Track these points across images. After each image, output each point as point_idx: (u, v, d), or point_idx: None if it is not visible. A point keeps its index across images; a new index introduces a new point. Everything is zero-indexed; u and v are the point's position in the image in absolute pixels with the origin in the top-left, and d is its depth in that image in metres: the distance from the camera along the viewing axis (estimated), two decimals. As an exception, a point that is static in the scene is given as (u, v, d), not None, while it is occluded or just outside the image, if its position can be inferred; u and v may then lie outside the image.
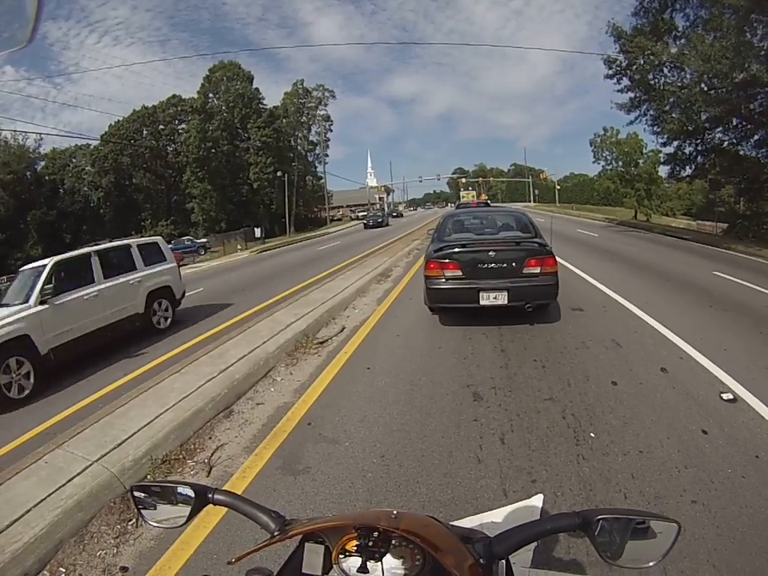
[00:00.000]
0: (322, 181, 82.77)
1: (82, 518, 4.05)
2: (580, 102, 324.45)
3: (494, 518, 3.51)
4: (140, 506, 1.48)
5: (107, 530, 4.00)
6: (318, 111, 79.59)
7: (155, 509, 1.47)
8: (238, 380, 6.82)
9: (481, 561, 1.22)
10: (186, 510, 1.43)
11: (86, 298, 10.08)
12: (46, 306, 9.24)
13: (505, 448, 4.71)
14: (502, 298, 8.36)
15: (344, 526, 1.26)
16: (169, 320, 12.40)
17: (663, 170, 41.30)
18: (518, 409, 5.53)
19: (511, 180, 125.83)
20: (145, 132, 72.32)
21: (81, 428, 5.56)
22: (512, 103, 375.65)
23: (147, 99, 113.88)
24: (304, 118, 78.50)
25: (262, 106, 70.25)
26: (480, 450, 4.69)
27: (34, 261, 11.05)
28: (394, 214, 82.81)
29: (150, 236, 20.31)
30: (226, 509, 1.53)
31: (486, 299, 8.40)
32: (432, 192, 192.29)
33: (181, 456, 5.08)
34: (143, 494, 1.48)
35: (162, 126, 73.03)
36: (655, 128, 28.36)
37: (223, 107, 67.75)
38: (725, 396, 5.57)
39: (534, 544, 3.11)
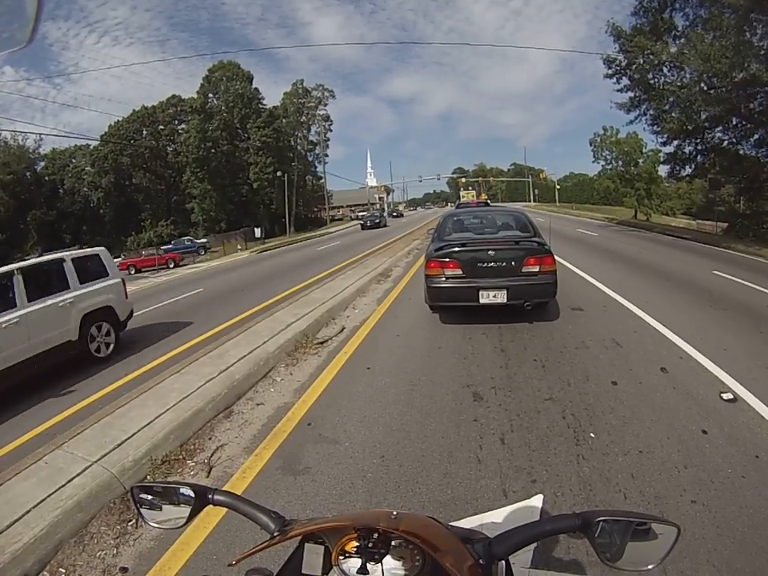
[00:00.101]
0: (322, 181, 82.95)
1: (81, 518, 4.05)
2: (580, 101, 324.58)
3: (494, 519, 3.52)
4: (140, 507, 1.48)
5: (107, 531, 4.00)
6: (318, 111, 79.73)
7: (155, 509, 1.47)
8: (237, 380, 6.82)
9: (480, 561, 1.22)
10: (186, 510, 1.43)
11: (4, 326, 8.38)
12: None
13: (505, 448, 4.71)
14: (501, 297, 8.42)
15: (344, 527, 1.26)
16: (111, 346, 10.53)
17: (663, 170, 41.40)
18: (518, 409, 5.53)
19: (511, 180, 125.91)
20: (144, 132, 72.41)
21: (81, 428, 5.55)
22: (512, 103, 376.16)
23: (147, 99, 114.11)
24: (304, 117, 78.51)
25: (261, 106, 70.27)
26: (480, 450, 4.69)
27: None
28: (395, 214, 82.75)
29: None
30: (225, 509, 1.53)
31: (486, 298, 8.47)
32: (432, 192, 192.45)
33: (181, 456, 5.08)
34: (143, 495, 1.48)
35: (161, 126, 73.12)
36: (655, 127, 28.41)
37: (223, 107, 67.75)
38: (725, 396, 5.57)
39: (534, 544, 3.10)
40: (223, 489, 1.51)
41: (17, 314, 8.64)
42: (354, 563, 1.22)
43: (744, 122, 25.16)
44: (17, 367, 8.51)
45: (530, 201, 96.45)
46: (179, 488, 1.45)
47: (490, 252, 8.53)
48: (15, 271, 8.90)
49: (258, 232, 51.75)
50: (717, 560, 3.14)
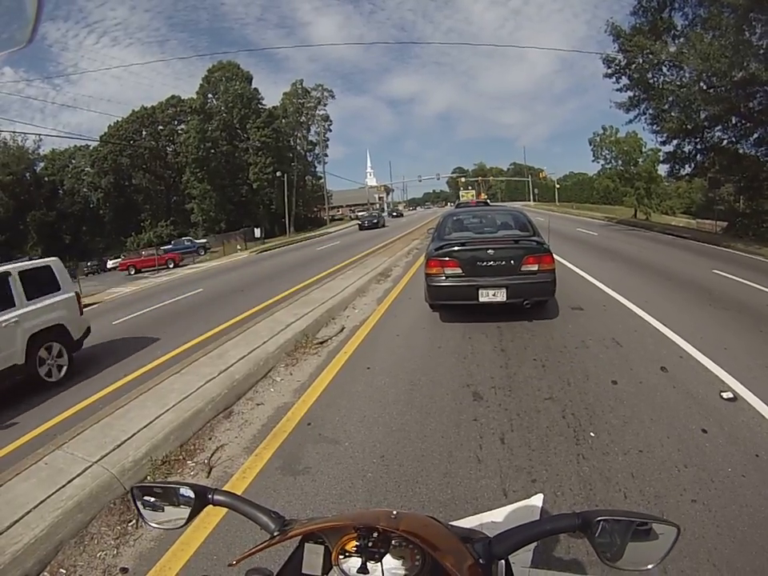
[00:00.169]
0: (322, 181, 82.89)
1: (82, 519, 4.05)
2: (579, 100, 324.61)
3: (494, 518, 3.52)
4: (140, 507, 1.48)
5: (107, 531, 4.00)
6: (317, 111, 79.74)
7: (155, 510, 1.47)
8: (237, 380, 6.82)
9: (480, 561, 1.22)
10: (185, 510, 1.43)
11: None
12: None
13: (505, 448, 4.71)
14: (500, 295, 8.48)
15: (344, 527, 1.26)
16: (64, 369, 9.42)
17: (663, 169, 41.35)
18: (518, 408, 5.53)
19: (511, 179, 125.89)
20: (144, 133, 72.54)
21: (81, 429, 5.55)
22: (511, 102, 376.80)
23: (146, 100, 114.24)
24: (303, 117, 78.50)
25: (261, 106, 70.29)
26: (480, 450, 4.69)
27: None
28: (394, 214, 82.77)
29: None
30: (226, 509, 1.53)
31: (485, 296, 8.53)
32: (431, 191, 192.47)
33: (181, 457, 5.08)
34: (143, 495, 1.48)
35: (161, 127, 73.25)
36: (654, 127, 28.41)
37: (222, 107, 67.76)
38: (725, 395, 5.56)
39: (534, 544, 3.10)
40: (223, 489, 1.51)
41: (-48, 336, 7.81)
42: (354, 563, 1.22)
43: (743, 121, 25.15)
44: None
45: (529, 200, 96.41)
46: (179, 488, 1.45)
47: (489, 251, 8.58)
48: None
49: (257, 232, 51.75)
50: (717, 559, 3.14)
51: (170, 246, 50.19)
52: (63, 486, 4.29)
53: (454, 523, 1.72)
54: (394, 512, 1.27)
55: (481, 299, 8.56)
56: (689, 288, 11.58)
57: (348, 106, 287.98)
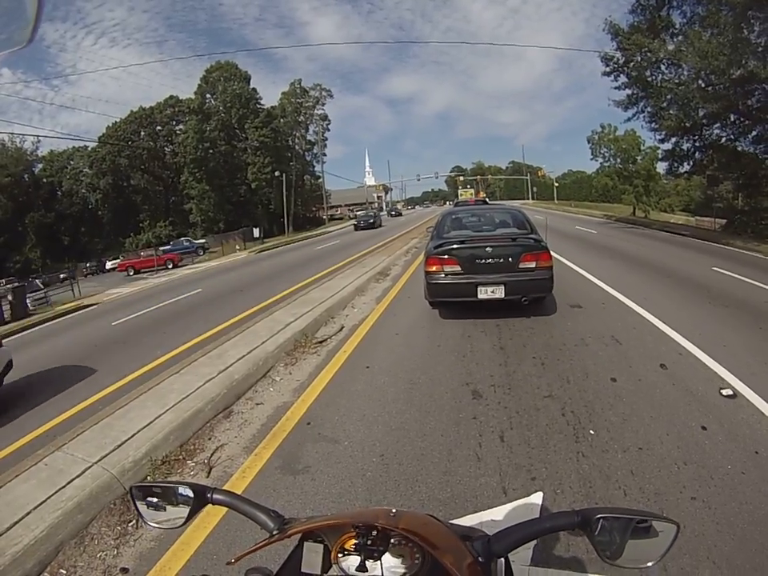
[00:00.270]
0: (320, 180, 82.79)
1: (82, 519, 4.05)
2: (578, 99, 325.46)
3: (494, 516, 3.52)
4: (139, 507, 1.48)
5: (107, 532, 4.00)
6: (316, 111, 79.63)
7: (154, 509, 1.47)
8: (237, 380, 6.82)
9: (479, 559, 1.22)
10: (185, 510, 1.43)
11: None
12: None
13: (504, 446, 4.71)
14: (499, 292, 8.58)
15: (342, 525, 1.26)
16: None
17: (661, 167, 41.22)
18: (518, 406, 5.53)
19: (509, 177, 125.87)
20: (142, 133, 72.57)
21: (80, 430, 5.55)
22: (510, 101, 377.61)
23: (144, 100, 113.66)
24: (302, 117, 78.44)
25: (259, 106, 70.34)
26: (479, 448, 4.69)
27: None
28: (393, 213, 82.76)
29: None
30: (225, 509, 1.54)
31: (484, 293, 8.63)
32: (430, 190, 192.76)
33: (181, 457, 5.08)
34: (142, 495, 1.48)
35: (159, 127, 73.30)
36: (653, 124, 28.40)
37: (220, 107, 67.77)
38: (724, 392, 5.57)
39: (534, 542, 3.12)
40: (222, 488, 1.51)
41: None
42: (353, 561, 1.23)
43: (742, 119, 25.15)
44: None
45: (528, 198, 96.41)
46: (178, 487, 1.45)
47: (487, 249, 8.69)
48: None
49: (256, 232, 51.69)
50: (717, 557, 3.14)
51: (168, 247, 50.19)
52: (63, 487, 4.28)
53: (454, 522, 1.72)
54: (393, 510, 1.28)
55: (479, 296, 8.66)
56: (688, 285, 11.58)
57: (347, 105, 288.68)
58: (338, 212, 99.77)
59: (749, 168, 26.05)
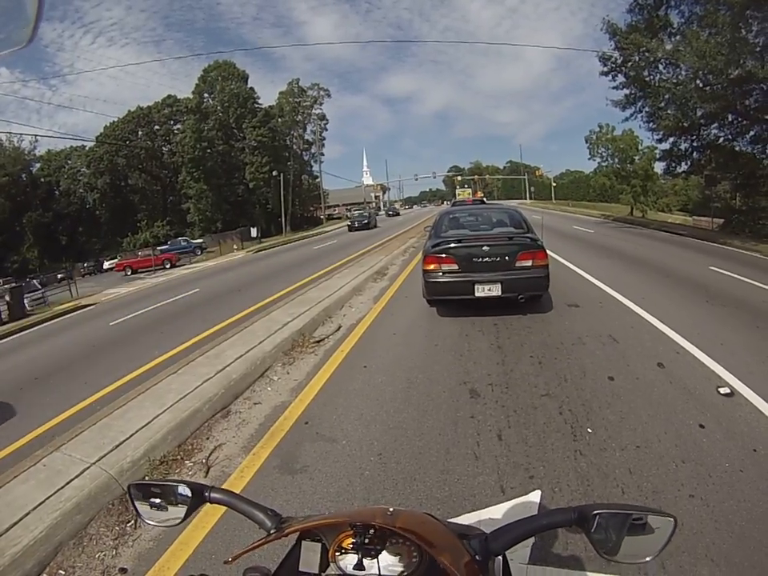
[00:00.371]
0: (318, 180, 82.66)
1: (80, 520, 4.05)
2: (575, 99, 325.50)
3: (492, 515, 3.53)
4: (137, 505, 1.48)
5: (106, 532, 4.00)
6: (314, 110, 79.57)
7: (152, 508, 1.47)
8: (234, 380, 6.81)
9: (477, 557, 1.23)
10: (182, 508, 1.44)
11: None
12: None
13: (502, 444, 4.72)
14: (495, 290, 8.68)
15: (340, 524, 1.26)
16: None
17: (659, 167, 41.22)
18: (515, 405, 5.54)
19: (507, 177, 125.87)
20: (140, 133, 72.48)
21: (79, 430, 5.55)
22: (508, 101, 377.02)
23: (142, 100, 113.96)
24: (299, 117, 78.35)
25: (257, 106, 70.17)
26: (477, 447, 4.70)
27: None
28: (390, 213, 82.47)
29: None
30: (224, 509, 1.54)
31: (481, 291, 8.73)
32: (428, 190, 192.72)
33: (179, 457, 5.08)
34: (140, 493, 1.48)
35: (157, 127, 73.21)
36: (651, 124, 28.36)
37: (218, 107, 67.65)
38: (722, 390, 5.58)
39: (532, 540, 3.13)
40: (220, 487, 1.51)
41: None
42: (351, 560, 1.23)
43: (740, 119, 25.15)
44: None
45: (526, 198, 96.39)
46: (176, 486, 1.45)
47: (484, 248, 8.79)
48: None
49: (254, 232, 51.73)
50: (715, 554, 3.15)
51: (166, 247, 50.08)
52: (62, 488, 4.28)
53: (452, 520, 1.72)
54: (391, 509, 1.28)
55: (477, 294, 8.76)
56: (686, 285, 11.59)
57: (344, 104, 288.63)
58: (336, 211, 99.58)
59: (746, 168, 26.06)
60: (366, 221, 48.67)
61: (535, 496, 3.86)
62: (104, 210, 71.75)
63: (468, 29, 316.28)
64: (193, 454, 5.17)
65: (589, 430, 4.86)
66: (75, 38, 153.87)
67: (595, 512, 1.19)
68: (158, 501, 1.46)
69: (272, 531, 1.34)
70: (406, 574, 1.23)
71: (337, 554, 1.27)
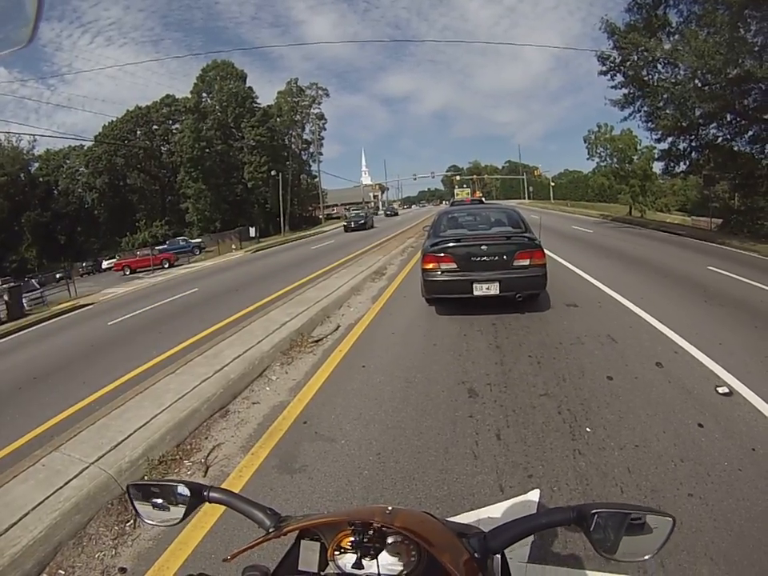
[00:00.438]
0: (317, 179, 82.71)
1: (80, 520, 4.05)
2: (574, 98, 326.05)
3: (491, 514, 3.53)
4: (136, 505, 1.48)
5: (105, 532, 3.99)
6: (312, 110, 79.56)
7: (151, 507, 1.47)
8: (233, 380, 6.81)
9: (476, 555, 1.23)
10: (181, 507, 1.44)
11: None
12: None
13: (501, 444, 4.72)
14: (494, 289, 8.79)
15: (339, 523, 1.27)
16: None
17: (657, 166, 41.22)
18: (514, 404, 5.54)
19: (506, 177, 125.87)
20: (138, 132, 72.38)
21: (77, 430, 5.55)
22: (506, 100, 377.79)
23: (141, 99, 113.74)
24: (298, 116, 78.28)
25: (255, 105, 70.21)
26: (476, 446, 4.70)
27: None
28: (389, 213, 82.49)
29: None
30: (223, 508, 1.54)
31: (479, 290, 8.83)
32: (426, 190, 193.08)
33: (177, 456, 5.07)
34: (139, 493, 1.48)
35: (155, 126, 73.12)
36: (649, 124, 28.38)
37: (217, 107, 67.69)
38: (720, 389, 5.58)
39: (531, 539, 3.13)
40: (219, 486, 1.51)
41: None
42: (350, 558, 1.23)
43: (738, 119, 25.15)
44: None
45: (524, 198, 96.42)
46: (175, 486, 1.46)
47: (482, 247, 8.91)
48: None
49: (252, 231, 51.70)
50: (714, 553, 3.15)
51: (164, 246, 50.05)
52: (61, 488, 4.28)
53: (451, 519, 1.72)
54: (389, 508, 1.28)
55: (475, 293, 8.85)
56: (684, 285, 11.60)
57: (343, 104, 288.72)
58: (335, 211, 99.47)
59: (745, 168, 26.07)
60: (362, 221, 47.55)
61: (534, 495, 3.86)
62: (102, 209, 71.69)
63: (466, 28, 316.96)
64: (191, 454, 5.16)
65: (587, 430, 4.86)
66: (73, 38, 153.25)
67: (594, 511, 1.20)
68: (157, 501, 1.46)
69: (271, 530, 1.34)
70: (405, 572, 1.24)
71: (336, 552, 1.27)
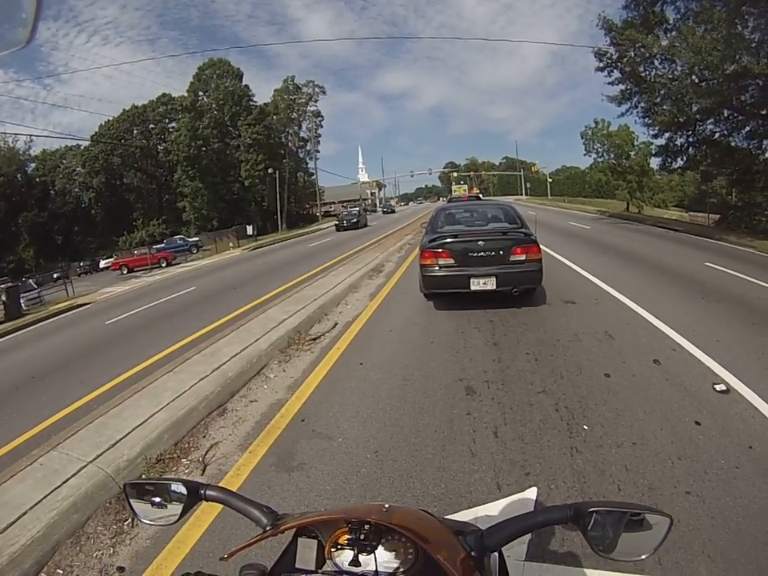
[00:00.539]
0: (314, 177, 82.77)
1: (78, 519, 4.04)
2: (571, 94, 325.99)
3: (488, 512, 3.53)
4: (133, 504, 1.48)
5: (103, 531, 3.99)
6: (309, 107, 79.60)
7: (148, 506, 1.47)
8: (231, 378, 6.81)
9: (472, 553, 1.23)
10: (178, 506, 1.44)
11: None
12: None
13: (498, 441, 4.72)
14: (490, 284, 8.91)
15: (335, 520, 1.27)
16: None
17: (655, 162, 41.37)
18: (511, 402, 5.54)
19: (503, 173, 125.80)
20: (135, 131, 72.27)
21: (75, 429, 5.54)
22: (503, 97, 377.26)
23: (137, 98, 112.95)
24: (294, 114, 78.34)
25: (252, 103, 70.16)
26: (473, 444, 4.70)
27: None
28: (386, 210, 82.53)
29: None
30: (220, 507, 1.54)
31: (476, 285, 8.96)
32: (423, 186, 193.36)
33: (175, 455, 5.07)
34: (136, 492, 1.48)
35: (152, 125, 73.02)
36: (646, 120, 28.35)
37: (213, 105, 67.71)
38: (717, 387, 5.58)
39: (528, 537, 3.13)
40: (215, 485, 1.51)
41: None
42: (347, 556, 1.23)
43: (735, 114, 25.15)
44: None
45: (522, 194, 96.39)
46: (171, 484, 1.46)
47: (479, 242, 9.01)
48: None
49: (249, 229, 51.71)
50: (712, 551, 3.16)
51: (162, 245, 50.06)
52: (59, 487, 4.28)
53: (448, 517, 1.72)
54: (386, 505, 1.28)
55: (472, 287, 8.98)
56: (681, 281, 11.60)
57: (340, 101, 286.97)
58: (332, 209, 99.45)
59: (742, 163, 26.10)
60: (354, 219, 45.70)
61: (531, 493, 3.86)
62: (99, 209, 71.57)
63: (463, 25, 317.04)
64: (189, 452, 5.17)
65: (585, 427, 4.86)
66: (70, 37, 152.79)
67: (591, 509, 1.20)
68: (154, 499, 1.46)
69: (268, 528, 1.34)
70: (402, 570, 1.24)
71: (333, 550, 1.27)
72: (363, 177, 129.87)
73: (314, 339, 8.60)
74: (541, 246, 9.23)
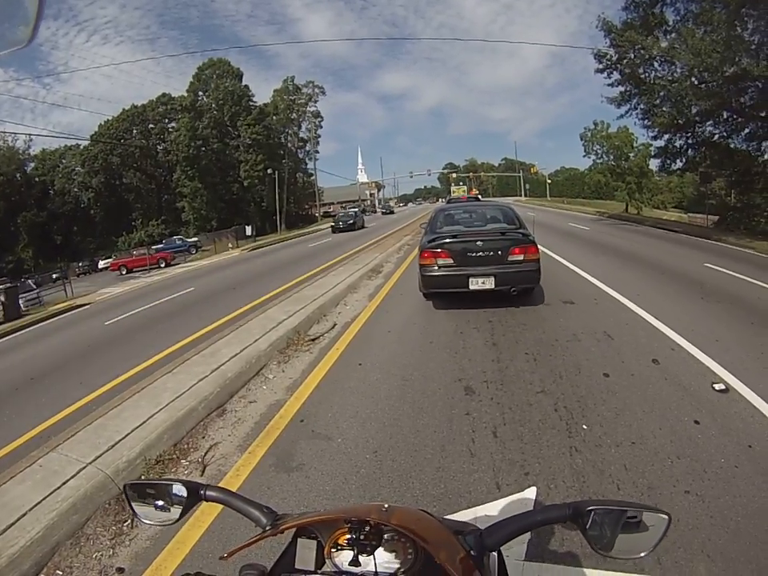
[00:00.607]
0: (313, 177, 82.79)
1: (77, 520, 4.04)
2: (570, 96, 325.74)
3: (488, 512, 3.53)
4: (133, 505, 1.48)
5: (103, 532, 3.99)
6: (308, 108, 79.58)
7: (148, 507, 1.47)
8: (230, 378, 6.81)
9: (472, 553, 1.23)
10: (178, 507, 1.44)
11: None
12: None
13: (497, 441, 4.72)
14: (489, 283, 9.01)
15: (335, 520, 1.27)
16: None
17: (654, 164, 41.28)
18: (510, 402, 5.54)
19: (502, 174, 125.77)
20: (134, 131, 72.28)
21: (74, 430, 5.54)
22: (502, 98, 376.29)
23: (137, 98, 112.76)
24: (294, 114, 78.33)
25: (251, 104, 70.17)
26: (473, 444, 4.70)
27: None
28: (384, 211, 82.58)
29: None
30: (220, 507, 1.54)
31: (475, 284, 9.05)
32: (423, 187, 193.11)
33: (175, 456, 5.07)
34: (136, 493, 1.48)
35: (151, 125, 73.04)
36: (646, 121, 28.32)
37: (213, 105, 67.69)
38: (717, 386, 5.59)
39: (528, 537, 3.13)
40: (215, 485, 1.51)
41: None
42: (347, 556, 1.23)
43: (735, 116, 25.12)
44: None
45: (521, 195, 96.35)
46: (171, 485, 1.46)
47: (478, 242, 9.10)
48: None
49: (248, 230, 51.72)
50: (711, 550, 3.16)
51: (161, 245, 50.16)
52: (58, 488, 4.28)
53: (448, 517, 1.72)
54: (386, 506, 1.28)
55: (471, 287, 9.07)
56: (680, 281, 11.60)
57: (339, 102, 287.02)
58: (331, 209, 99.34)
59: (741, 165, 26.09)
60: (351, 221, 44.71)
61: (531, 492, 3.86)
62: (99, 209, 71.58)
63: (463, 26, 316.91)
64: (189, 453, 5.16)
65: (584, 427, 4.87)
66: (69, 37, 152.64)
67: (590, 508, 1.20)
68: (153, 500, 1.46)
69: (267, 528, 1.34)
70: (401, 570, 1.24)
71: (332, 550, 1.27)
72: (362, 177, 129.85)
73: (313, 340, 8.60)
74: (540, 247, 9.29)
